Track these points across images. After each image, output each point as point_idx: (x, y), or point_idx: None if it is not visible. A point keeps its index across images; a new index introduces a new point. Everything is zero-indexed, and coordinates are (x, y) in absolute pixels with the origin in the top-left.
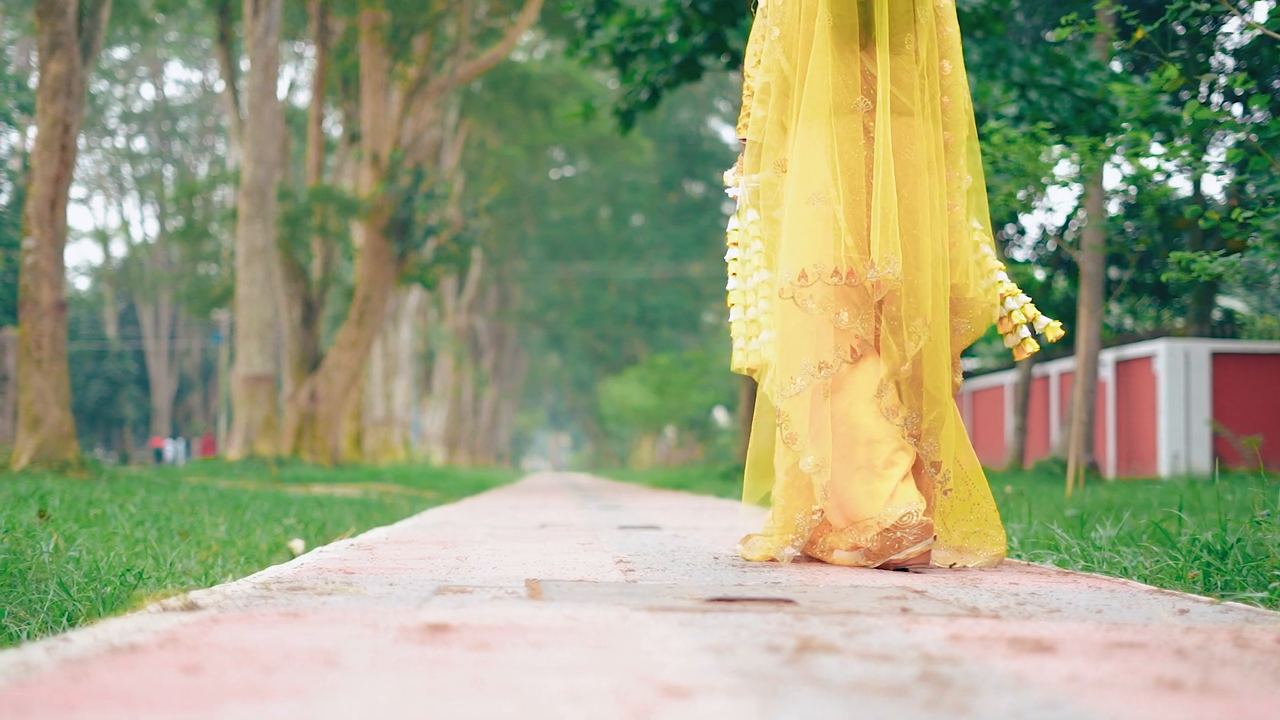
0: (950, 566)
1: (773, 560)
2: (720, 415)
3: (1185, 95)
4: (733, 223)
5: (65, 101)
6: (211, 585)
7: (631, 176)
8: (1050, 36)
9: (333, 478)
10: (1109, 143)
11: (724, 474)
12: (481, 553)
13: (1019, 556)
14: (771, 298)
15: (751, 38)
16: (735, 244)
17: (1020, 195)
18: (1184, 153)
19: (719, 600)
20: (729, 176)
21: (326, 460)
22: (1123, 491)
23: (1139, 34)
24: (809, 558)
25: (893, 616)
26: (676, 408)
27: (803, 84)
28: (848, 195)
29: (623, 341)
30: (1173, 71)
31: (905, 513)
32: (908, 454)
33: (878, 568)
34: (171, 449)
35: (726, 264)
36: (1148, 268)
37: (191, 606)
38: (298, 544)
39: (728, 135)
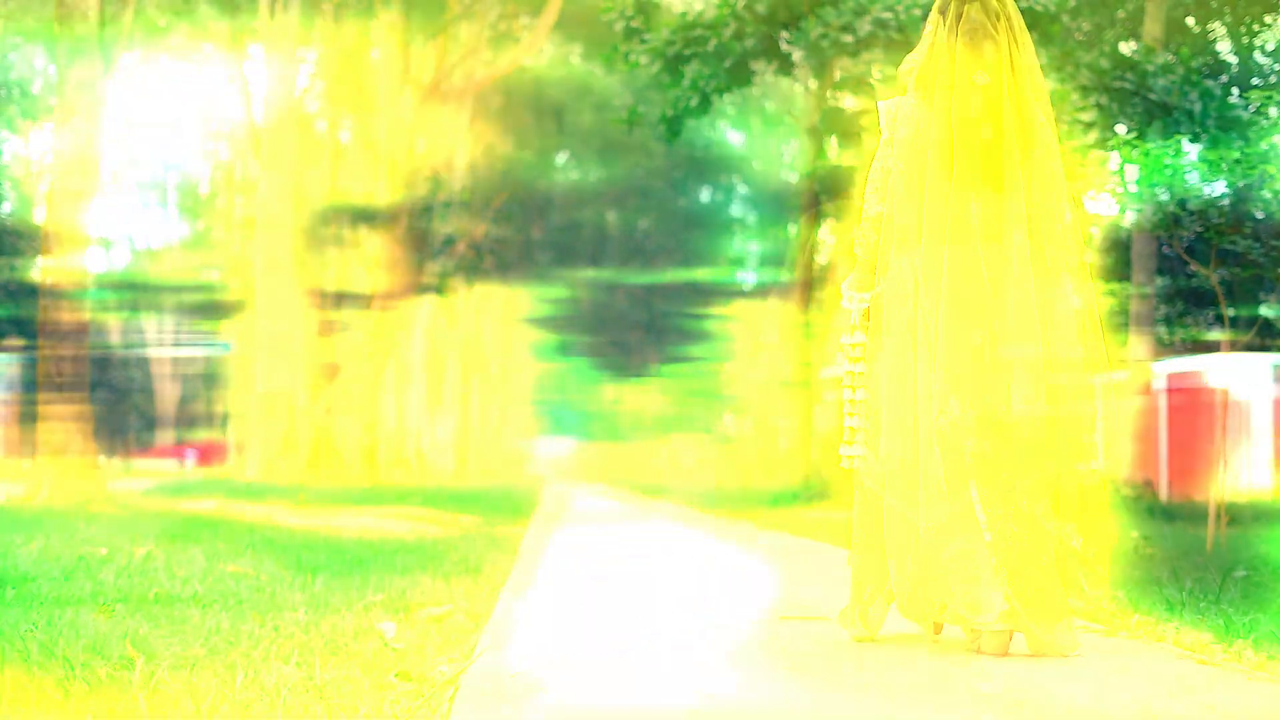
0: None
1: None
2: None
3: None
4: (847, 336)
5: (87, 109)
6: None
7: (640, 181)
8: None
9: (358, 499)
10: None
11: (773, 499)
12: None
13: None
14: (864, 415)
15: (873, 165)
16: (850, 359)
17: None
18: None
19: None
20: (845, 288)
21: (343, 475)
22: (1269, 533)
23: None
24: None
25: None
26: (698, 415)
27: (916, 216)
28: (962, 324)
29: (630, 348)
30: None
31: (987, 615)
32: (993, 554)
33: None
34: (191, 458)
35: (841, 375)
36: (1180, 274)
37: None
38: (388, 628)
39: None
